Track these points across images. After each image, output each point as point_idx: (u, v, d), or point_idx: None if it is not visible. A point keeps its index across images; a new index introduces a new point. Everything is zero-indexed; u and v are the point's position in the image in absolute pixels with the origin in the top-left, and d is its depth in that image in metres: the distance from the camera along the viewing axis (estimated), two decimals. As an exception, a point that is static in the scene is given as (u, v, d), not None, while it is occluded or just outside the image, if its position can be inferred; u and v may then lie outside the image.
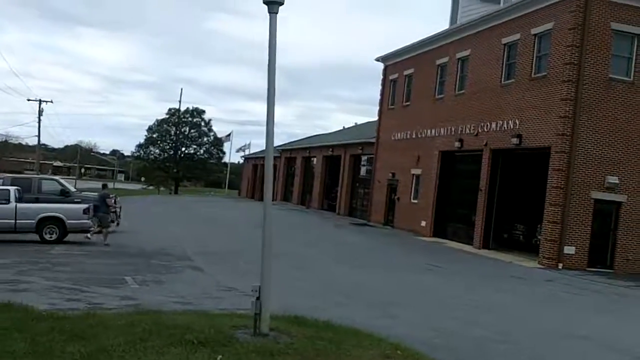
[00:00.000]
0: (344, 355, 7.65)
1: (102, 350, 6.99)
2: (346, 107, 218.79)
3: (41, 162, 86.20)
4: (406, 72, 37.45)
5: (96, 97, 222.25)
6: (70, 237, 22.06)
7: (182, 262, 18.53)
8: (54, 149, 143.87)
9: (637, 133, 24.23)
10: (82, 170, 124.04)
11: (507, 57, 28.10)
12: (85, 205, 22.83)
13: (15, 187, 22.72)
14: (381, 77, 41.01)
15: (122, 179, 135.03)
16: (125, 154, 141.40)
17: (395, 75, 38.36)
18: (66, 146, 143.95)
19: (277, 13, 8.28)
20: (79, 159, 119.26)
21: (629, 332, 12.68)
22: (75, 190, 28.03)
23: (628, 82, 24.28)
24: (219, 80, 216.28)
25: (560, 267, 23.29)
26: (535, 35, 26.10)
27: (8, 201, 21.58)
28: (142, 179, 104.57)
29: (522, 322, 12.74)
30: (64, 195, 26.31)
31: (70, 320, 8.37)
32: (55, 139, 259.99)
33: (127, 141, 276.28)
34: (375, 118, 42.48)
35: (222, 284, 14.99)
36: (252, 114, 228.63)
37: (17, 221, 21.40)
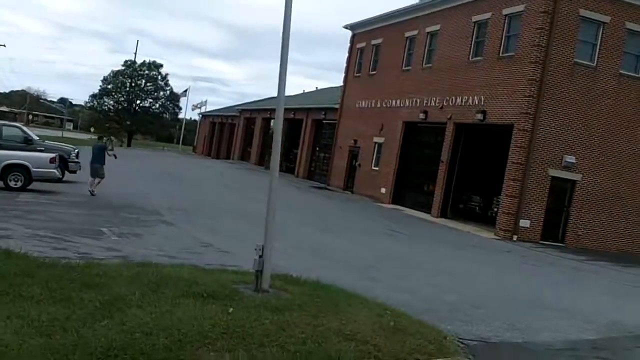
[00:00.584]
0: (343, 313, 8.13)
1: (118, 298, 7.29)
2: (301, 71, 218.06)
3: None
4: (374, 42, 37.77)
5: (46, 42, 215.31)
6: (34, 185, 21.88)
7: (152, 216, 18.65)
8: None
9: (596, 116, 25.28)
10: (30, 117, 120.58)
11: (476, 34, 28.71)
12: (52, 155, 22.64)
13: (-20, 133, 22.37)
14: (348, 44, 41.21)
15: (71, 128, 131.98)
16: (75, 102, 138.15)
17: (363, 44, 38.64)
18: (12, 91, 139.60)
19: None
20: (28, 105, 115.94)
21: (588, 301, 13.58)
22: (37, 138, 27.54)
23: (591, 68, 25.21)
24: (174, 35, 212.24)
25: (515, 239, 24.36)
26: (506, 15, 26.75)
27: (-27, 146, 21.29)
28: (92, 129, 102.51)
29: (490, 289, 13.50)
30: (27, 143, 25.86)
31: (76, 269, 8.59)
32: (3, 83, 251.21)
33: (77, 90, 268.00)
34: (334, 84, 42.82)
35: (198, 240, 15.27)
36: (206, 70, 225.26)
37: (-19, 167, 21.14)
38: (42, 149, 25.56)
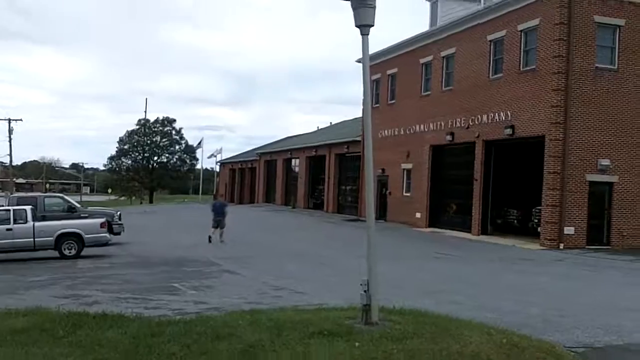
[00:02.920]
0: (456, 337, 8.45)
1: (253, 345, 7.67)
2: (303, 108, 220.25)
3: (2, 180, 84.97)
4: (389, 72, 38.51)
5: (51, 111, 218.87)
6: (85, 250, 22.28)
7: (212, 267, 19.07)
8: (12, 166, 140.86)
9: (624, 117, 25.71)
10: (47, 185, 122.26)
11: (493, 53, 29.30)
12: (102, 220, 23.26)
13: (31, 207, 23.00)
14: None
15: (88, 191, 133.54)
16: (87, 166, 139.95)
17: (378, 75, 39.25)
18: (24, 162, 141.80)
19: (368, 34, 9.09)
20: (45, 174, 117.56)
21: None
22: (79, 206, 28.24)
23: (613, 71, 25.72)
24: (175, 88, 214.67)
25: (561, 247, 24.60)
26: (521, 31, 27.34)
27: (25, 220, 21.91)
28: (109, 190, 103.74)
29: (565, 298, 13.78)
30: (70, 212, 26.53)
31: (193, 325, 8.98)
32: (18, 155, 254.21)
33: (87, 154, 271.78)
34: (336, 117, 43.56)
35: (269, 284, 15.63)
36: (211, 119, 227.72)
37: (36, 239, 21.74)
38: (86, 215, 26.17)
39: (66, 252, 21.97)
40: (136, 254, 22.48)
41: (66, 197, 29.27)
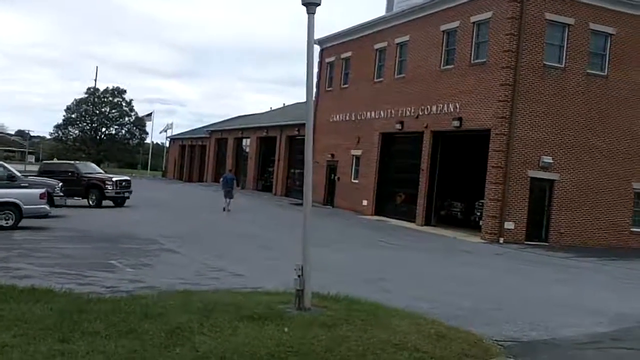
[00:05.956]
0: (386, 325, 8.56)
1: (180, 328, 7.59)
2: (257, 87, 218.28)
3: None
4: (344, 56, 38.48)
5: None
6: (23, 222, 21.71)
7: (153, 245, 18.78)
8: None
9: (568, 116, 26.28)
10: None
11: (446, 43, 29.55)
12: (42, 190, 22.61)
13: (-33, 173, 22.24)
14: (317, 59, 41.77)
15: (33, 160, 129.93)
16: (33, 134, 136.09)
17: (332, 59, 39.27)
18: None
19: (314, 14, 9.02)
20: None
21: (590, 296, 14.27)
22: (19, 174, 27.41)
23: (560, 69, 26.22)
24: (127, 59, 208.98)
25: (501, 242, 25.09)
26: (474, 23, 27.62)
27: (-39, 188, 21.16)
28: (55, 160, 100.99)
29: (499, 292, 14.09)
30: (10, 180, 25.73)
31: (123, 303, 8.85)
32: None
33: (33, 121, 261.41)
34: (290, 98, 43.45)
35: (208, 265, 15.51)
36: (161, 92, 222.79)
37: (-29, 208, 21.02)
38: (26, 184, 25.43)
39: (3, 222, 21.24)
40: (77, 228, 21.94)
41: (5, 164, 28.29)
